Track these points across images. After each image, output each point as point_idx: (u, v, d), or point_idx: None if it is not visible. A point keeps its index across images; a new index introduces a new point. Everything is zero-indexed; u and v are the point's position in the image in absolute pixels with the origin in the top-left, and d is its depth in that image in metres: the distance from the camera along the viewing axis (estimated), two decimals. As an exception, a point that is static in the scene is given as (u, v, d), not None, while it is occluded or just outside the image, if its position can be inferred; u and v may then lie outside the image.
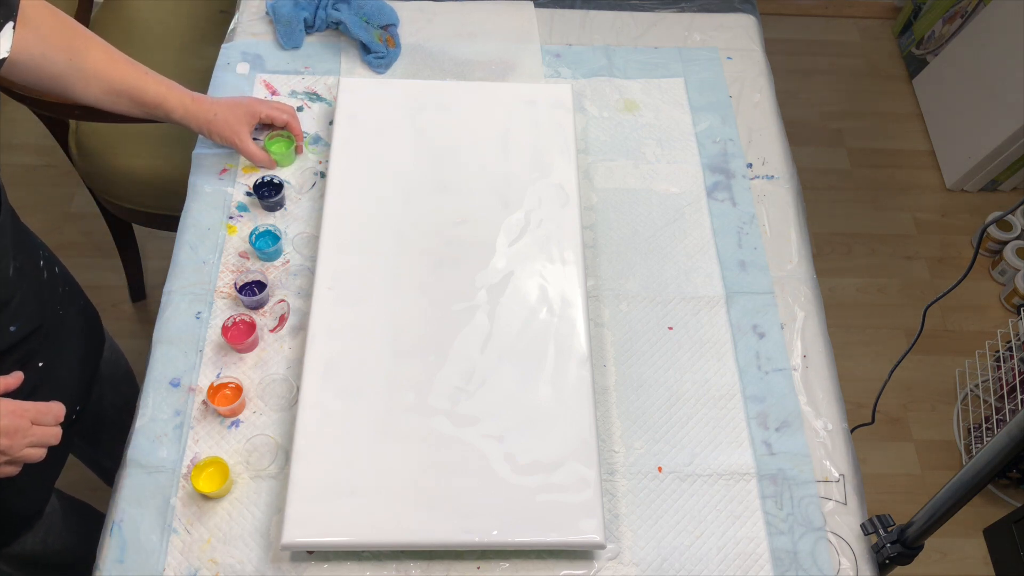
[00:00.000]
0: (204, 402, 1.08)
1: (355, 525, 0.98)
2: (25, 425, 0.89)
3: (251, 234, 1.18)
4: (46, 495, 1.18)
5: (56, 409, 0.93)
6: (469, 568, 1.00)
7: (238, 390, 1.06)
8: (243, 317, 1.11)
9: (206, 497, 1.02)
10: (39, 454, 0.92)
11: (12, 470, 0.92)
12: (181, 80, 1.70)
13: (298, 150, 1.29)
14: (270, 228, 1.19)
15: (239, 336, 1.10)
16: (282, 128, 1.27)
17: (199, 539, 1.00)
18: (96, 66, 1.08)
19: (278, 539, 0.99)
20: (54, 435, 0.93)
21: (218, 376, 1.10)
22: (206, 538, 1.00)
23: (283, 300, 1.16)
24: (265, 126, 1.28)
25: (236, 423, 1.07)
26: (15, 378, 0.94)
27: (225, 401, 1.06)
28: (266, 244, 1.19)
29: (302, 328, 1.13)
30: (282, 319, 1.15)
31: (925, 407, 2.08)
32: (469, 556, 1.01)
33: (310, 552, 0.99)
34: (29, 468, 1.06)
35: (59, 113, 1.50)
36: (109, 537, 0.99)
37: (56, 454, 1.14)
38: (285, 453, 1.06)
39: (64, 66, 1.04)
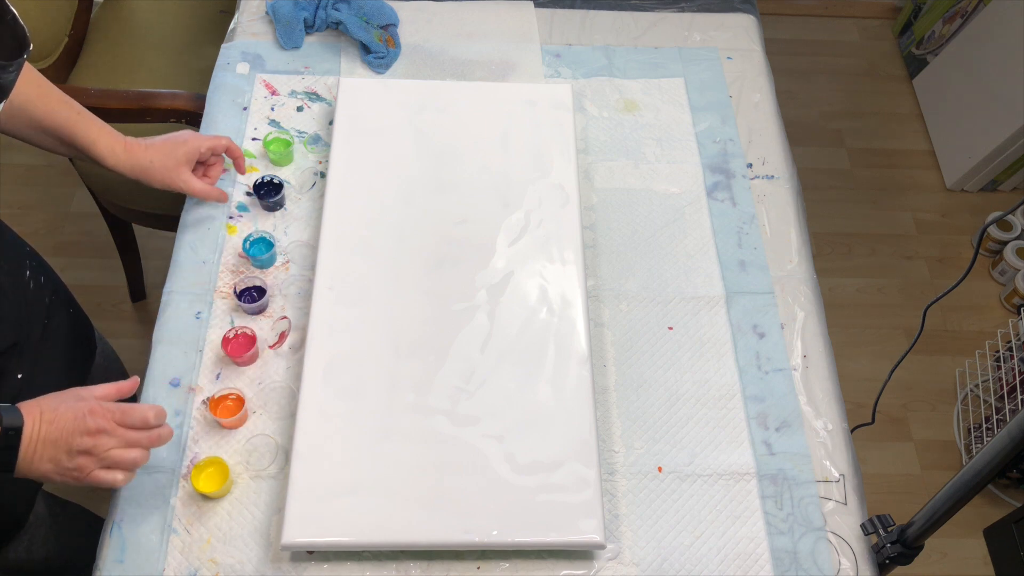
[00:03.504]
0: (204, 402, 1.08)
1: (355, 525, 0.98)
2: (109, 425, 0.88)
3: (244, 240, 1.18)
4: (28, 505, 1.16)
5: (143, 411, 0.90)
6: (469, 568, 1.00)
7: (240, 401, 1.06)
8: (244, 330, 1.10)
9: (206, 497, 1.02)
10: (130, 456, 0.90)
11: (110, 476, 0.90)
12: (181, 80, 1.71)
13: (240, 171, 1.25)
14: (264, 235, 1.19)
15: (239, 349, 1.10)
16: (220, 153, 1.21)
17: (199, 539, 1.00)
18: (23, 100, 1.01)
19: (278, 539, 0.99)
20: (143, 436, 0.90)
21: (218, 377, 1.10)
22: (206, 538, 1.00)
23: (285, 317, 1.16)
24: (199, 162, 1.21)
25: (236, 423, 1.08)
26: (131, 383, 0.94)
27: (227, 413, 1.05)
28: (260, 251, 1.18)
29: (302, 347, 1.12)
30: (282, 336, 1.14)
31: (925, 407, 2.08)
32: (469, 556, 1.01)
33: (310, 552, 0.99)
34: (7, 480, 1.05)
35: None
36: (109, 537, 0.99)
37: None
38: (285, 453, 1.06)
39: None
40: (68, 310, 1.16)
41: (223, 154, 1.23)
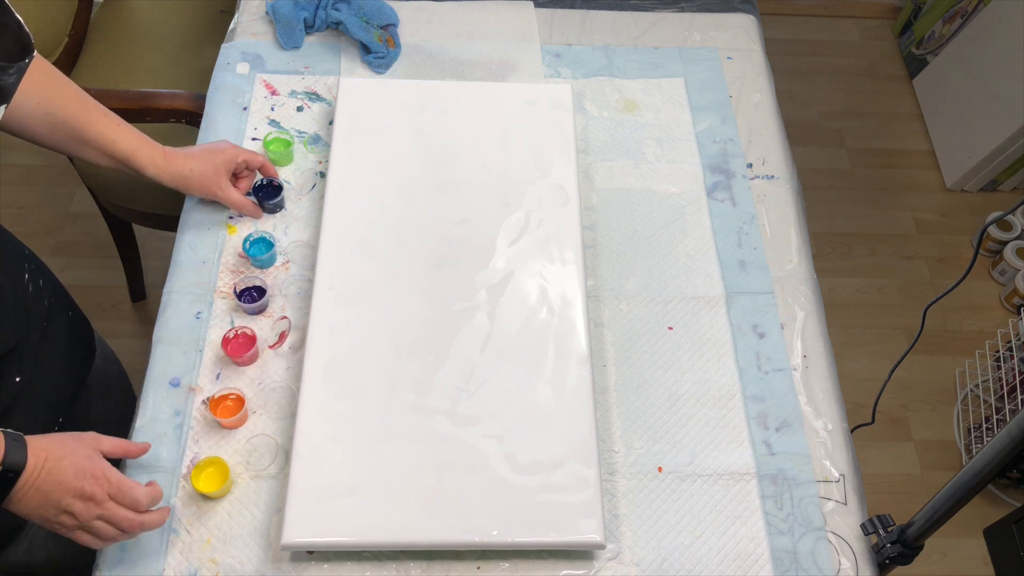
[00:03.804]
0: (204, 402, 1.08)
1: (355, 525, 0.98)
2: (101, 495, 0.88)
3: (244, 240, 1.18)
4: None
5: (137, 494, 0.90)
6: (469, 568, 1.00)
7: (240, 401, 1.06)
8: (244, 330, 1.10)
9: (206, 497, 1.02)
10: (111, 533, 0.90)
11: (88, 539, 0.90)
12: (181, 80, 1.72)
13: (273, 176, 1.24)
14: (264, 235, 1.19)
15: (239, 349, 1.10)
16: (255, 168, 1.23)
17: (199, 539, 1.00)
18: (65, 113, 1.03)
19: (278, 539, 0.99)
20: (126, 519, 0.90)
21: (218, 377, 1.10)
22: (206, 538, 1.00)
23: (285, 317, 1.15)
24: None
25: (236, 423, 1.08)
26: (140, 448, 0.97)
27: (227, 413, 1.05)
28: (260, 251, 1.18)
29: (302, 347, 1.11)
30: (282, 336, 1.14)
31: (925, 407, 2.08)
32: (469, 556, 1.01)
33: (310, 552, 0.99)
34: None
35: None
36: (109, 537, 0.99)
37: None
38: (285, 453, 1.06)
39: (31, 110, 1.00)
40: (67, 313, 1.16)
41: (256, 170, 1.24)
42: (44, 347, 1.08)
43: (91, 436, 0.92)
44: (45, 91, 1.01)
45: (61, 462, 0.86)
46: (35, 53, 0.94)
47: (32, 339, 1.06)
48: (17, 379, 1.02)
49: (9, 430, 0.85)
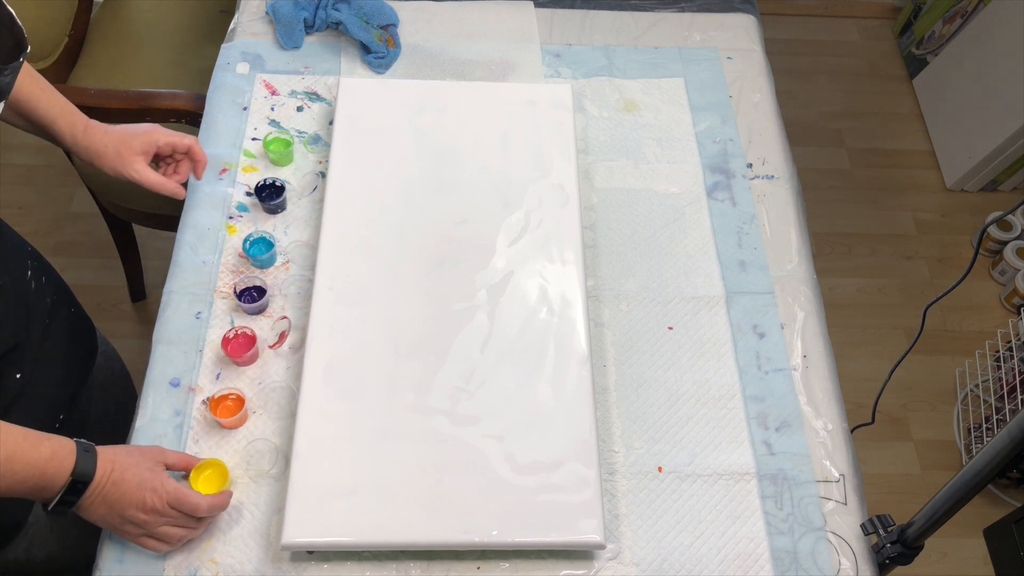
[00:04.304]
0: (204, 402, 1.08)
1: (355, 525, 0.98)
2: (162, 506, 0.92)
3: (244, 240, 1.18)
4: (27, 505, 1.16)
5: (195, 500, 0.94)
6: (469, 568, 1.00)
7: (240, 401, 1.06)
8: (244, 330, 1.10)
9: (206, 497, 1.02)
10: (179, 534, 0.95)
11: (153, 543, 0.95)
12: (181, 80, 1.71)
13: (196, 175, 1.21)
14: (264, 235, 1.19)
15: (239, 349, 1.10)
16: (185, 152, 1.20)
17: (199, 539, 1.00)
18: None
19: (278, 539, 0.99)
20: (189, 524, 0.95)
21: (218, 377, 1.10)
22: (206, 538, 1.00)
23: (285, 317, 1.15)
24: (162, 156, 1.20)
25: (236, 423, 1.08)
26: (197, 459, 1.01)
27: (227, 413, 1.05)
28: (260, 251, 1.18)
29: (302, 347, 1.11)
30: (282, 336, 1.14)
31: (925, 407, 2.08)
32: (469, 556, 1.01)
33: (310, 552, 0.99)
34: None
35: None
36: (109, 537, 0.99)
37: None
38: (285, 457, 1.05)
39: None
40: (69, 310, 1.16)
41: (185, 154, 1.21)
42: (45, 345, 1.08)
43: (156, 449, 0.96)
44: None
45: (126, 473, 0.90)
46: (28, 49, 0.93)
47: (33, 337, 1.06)
48: (17, 376, 1.02)
49: (81, 440, 0.89)
